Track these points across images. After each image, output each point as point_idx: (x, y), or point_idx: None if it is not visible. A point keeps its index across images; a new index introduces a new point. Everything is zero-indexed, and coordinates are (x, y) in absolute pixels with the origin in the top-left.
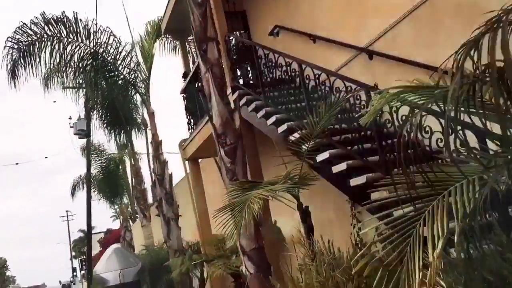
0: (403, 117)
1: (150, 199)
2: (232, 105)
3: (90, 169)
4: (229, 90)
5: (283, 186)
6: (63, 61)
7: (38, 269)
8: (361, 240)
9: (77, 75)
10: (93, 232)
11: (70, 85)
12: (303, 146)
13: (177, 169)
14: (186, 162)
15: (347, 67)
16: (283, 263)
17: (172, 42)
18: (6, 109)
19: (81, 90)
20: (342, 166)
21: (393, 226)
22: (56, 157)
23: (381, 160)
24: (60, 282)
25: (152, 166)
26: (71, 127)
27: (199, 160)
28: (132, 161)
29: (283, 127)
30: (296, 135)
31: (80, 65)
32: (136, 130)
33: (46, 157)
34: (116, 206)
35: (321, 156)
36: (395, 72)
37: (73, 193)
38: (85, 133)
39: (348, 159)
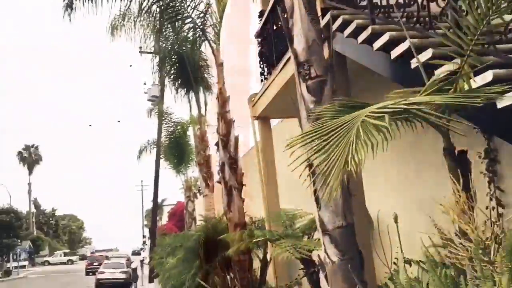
0: None
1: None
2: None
3: (161, 137)
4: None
5: (439, 97)
6: None
7: (114, 234)
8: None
9: (142, 17)
10: (164, 203)
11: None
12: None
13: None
14: (255, 122)
15: None
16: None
17: None
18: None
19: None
20: None
21: None
22: (129, 122)
23: None
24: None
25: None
26: (145, 92)
27: (272, 126)
28: (199, 124)
29: (404, 45)
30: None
31: (145, 4)
32: (205, 89)
33: (119, 121)
34: (183, 176)
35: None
36: None
37: (139, 157)
38: (158, 100)
39: None
